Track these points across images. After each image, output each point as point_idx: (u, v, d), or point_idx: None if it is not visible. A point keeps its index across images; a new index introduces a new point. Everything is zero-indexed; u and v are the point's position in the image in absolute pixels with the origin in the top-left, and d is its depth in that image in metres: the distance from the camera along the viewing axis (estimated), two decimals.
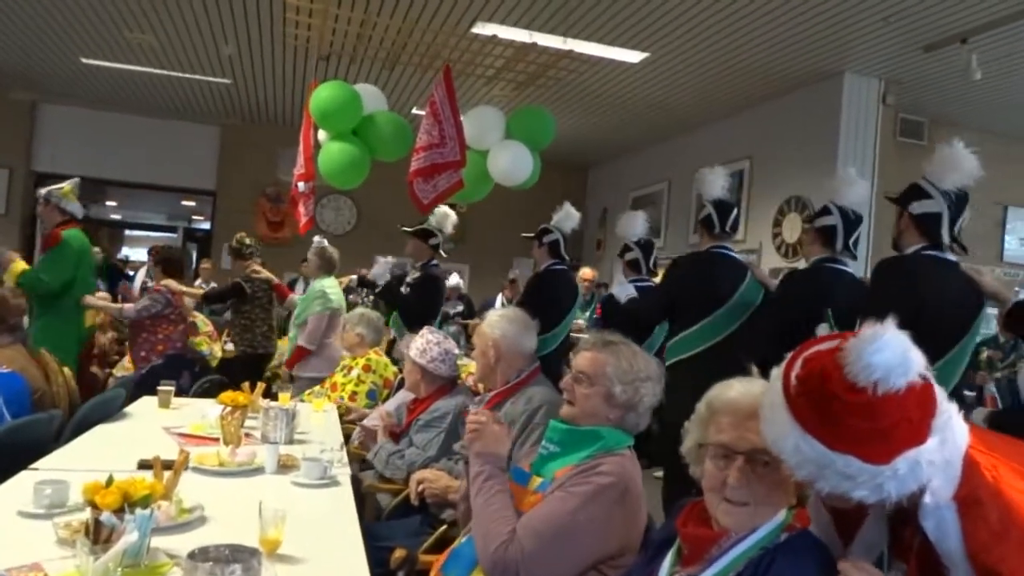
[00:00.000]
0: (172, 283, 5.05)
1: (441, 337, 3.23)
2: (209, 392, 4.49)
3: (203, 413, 3.16)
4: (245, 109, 9.22)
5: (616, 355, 1.86)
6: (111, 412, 3.19)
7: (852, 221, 3.37)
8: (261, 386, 3.46)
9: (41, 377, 3.01)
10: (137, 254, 11.70)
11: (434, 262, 4.87)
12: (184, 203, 11.41)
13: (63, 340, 4.43)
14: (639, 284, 4.36)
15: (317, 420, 3.50)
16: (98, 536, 1.56)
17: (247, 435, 2.92)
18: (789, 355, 1.23)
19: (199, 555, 1.37)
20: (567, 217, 4.59)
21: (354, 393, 4.25)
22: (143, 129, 9.60)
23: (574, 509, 1.69)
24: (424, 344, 3.15)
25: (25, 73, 8.25)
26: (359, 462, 3.32)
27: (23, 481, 2.13)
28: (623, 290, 4.16)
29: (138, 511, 1.62)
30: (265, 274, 5.42)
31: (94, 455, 2.56)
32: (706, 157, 8.05)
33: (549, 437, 1.87)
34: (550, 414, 2.39)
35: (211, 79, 7.87)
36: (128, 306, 4.97)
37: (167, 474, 1.96)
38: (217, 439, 2.82)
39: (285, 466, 2.49)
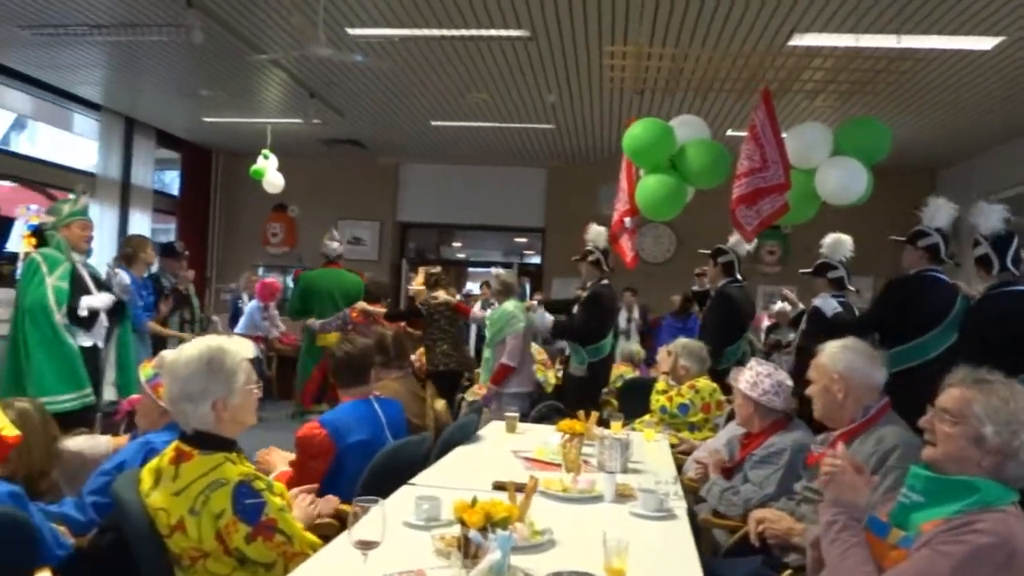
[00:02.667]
0: (362, 304, 6.09)
1: (772, 368, 3.10)
2: (547, 417, 4.88)
3: (545, 439, 3.40)
4: (567, 150, 9.82)
5: (987, 393, 1.63)
6: (468, 435, 3.58)
7: (1002, 244, 3.61)
8: (595, 415, 3.62)
9: (418, 406, 3.51)
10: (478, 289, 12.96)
11: (604, 281, 5.30)
12: (516, 240, 12.43)
13: (307, 356, 6.71)
14: (840, 299, 4.60)
15: (649, 450, 3.56)
16: (467, 551, 1.77)
17: (584, 462, 3.08)
18: None
19: None
20: (740, 243, 5.00)
21: (671, 397, 4.33)
22: (481, 176, 10.73)
23: (948, 572, 1.50)
24: (754, 377, 3.05)
25: (388, 141, 9.74)
26: (692, 494, 3.30)
27: (404, 495, 2.49)
28: (827, 303, 4.45)
29: (499, 531, 1.81)
30: (443, 297, 5.98)
31: (457, 474, 2.90)
32: None
33: (911, 485, 1.68)
34: (906, 457, 2.16)
35: (537, 126, 8.55)
36: (312, 321, 6.45)
37: (519, 496, 2.15)
38: (558, 465, 3.01)
39: (622, 495, 2.58)
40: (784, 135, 4.06)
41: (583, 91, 7.05)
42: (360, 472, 2.75)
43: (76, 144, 9.87)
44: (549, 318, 5.31)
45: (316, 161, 10.43)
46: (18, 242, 5.80)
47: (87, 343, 4.47)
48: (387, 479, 2.66)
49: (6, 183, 7.91)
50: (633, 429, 4.20)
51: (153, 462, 2.04)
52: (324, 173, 10.63)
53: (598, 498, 2.55)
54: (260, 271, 10.50)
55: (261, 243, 10.95)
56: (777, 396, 3.00)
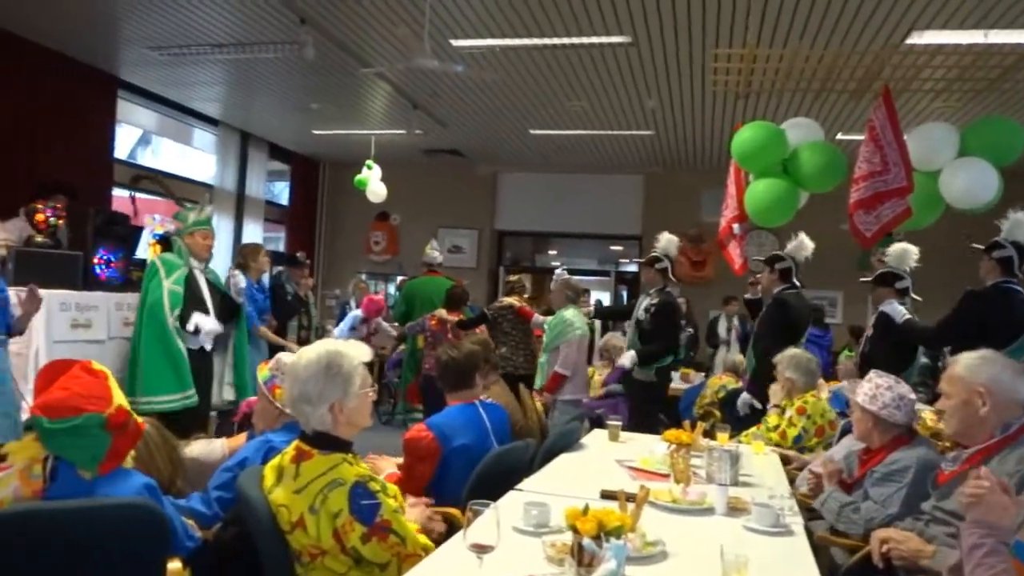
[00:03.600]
0: (441, 312, 6.32)
1: (893, 381, 2.94)
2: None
3: (650, 449, 3.34)
4: (666, 156, 9.67)
5: None
6: (571, 443, 3.56)
7: None
8: (701, 426, 3.53)
9: (519, 410, 3.51)
10: None
11: (667, 288, 5.32)
12: (612, 248, 12.32)
13: (410, 359, 7.28)
14: (905, 306, 4.50)
15: (759, 463, 3.44)
16: (581, 559, 1.75)
17: (693, 473, 3.00)
18: None
19: None
20: (800, 247, 4.95)
21: (784, 432, 4.11)
22: (577, 184, 10.71)
23: None
24: (873, 389, 2.89)
25: (487, 151, 9.88)
26: (807, 511, 3.17)
27: (511, 500, 2.49)
28: (895, 310, 4.33)
29: (612, 540, 1.78)
30: (507, 301, 6.06)
31: (562, 481, 2.88)
32: None
33: None
34: None
35: (635, 132, 8.46)
36: (411, 324, 6.82)
37: (630, 506, 2.11)
38: (665, 475, 2.96)
39: (734, 508, 2.50)
40: (905, 136, 3.86)
41: (684, 96, 6.93)
42: (464, 476, 2.77)
43: (196, 157, 10.47)
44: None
45: (417, 171, 10.67)
46: (146, 250, 6.20)
47: (194, 346, 4.71)
48: (493, 485, 2.67)
49: (141, 194, 8.44)
50: (740, 442, 4.06)
51: (275, 460, 2.12)
52: (424, 182, 10.87)
53: (709, 510, 2.49)
54: (363, 277, 10.82)
55: (364, 251, 11.29)
56: (899, 410, 2.83)
